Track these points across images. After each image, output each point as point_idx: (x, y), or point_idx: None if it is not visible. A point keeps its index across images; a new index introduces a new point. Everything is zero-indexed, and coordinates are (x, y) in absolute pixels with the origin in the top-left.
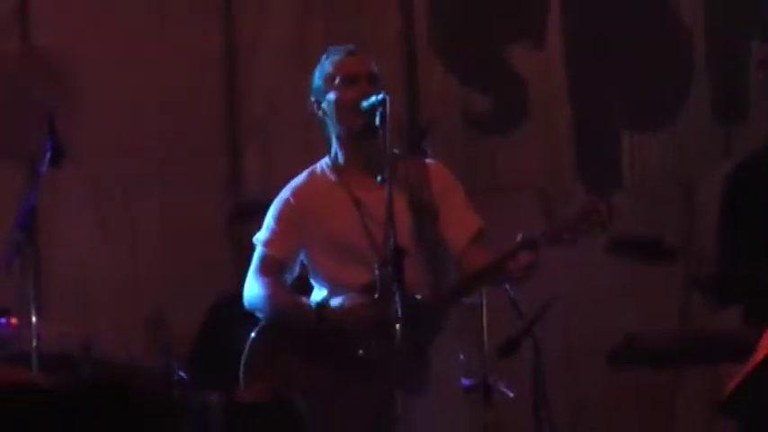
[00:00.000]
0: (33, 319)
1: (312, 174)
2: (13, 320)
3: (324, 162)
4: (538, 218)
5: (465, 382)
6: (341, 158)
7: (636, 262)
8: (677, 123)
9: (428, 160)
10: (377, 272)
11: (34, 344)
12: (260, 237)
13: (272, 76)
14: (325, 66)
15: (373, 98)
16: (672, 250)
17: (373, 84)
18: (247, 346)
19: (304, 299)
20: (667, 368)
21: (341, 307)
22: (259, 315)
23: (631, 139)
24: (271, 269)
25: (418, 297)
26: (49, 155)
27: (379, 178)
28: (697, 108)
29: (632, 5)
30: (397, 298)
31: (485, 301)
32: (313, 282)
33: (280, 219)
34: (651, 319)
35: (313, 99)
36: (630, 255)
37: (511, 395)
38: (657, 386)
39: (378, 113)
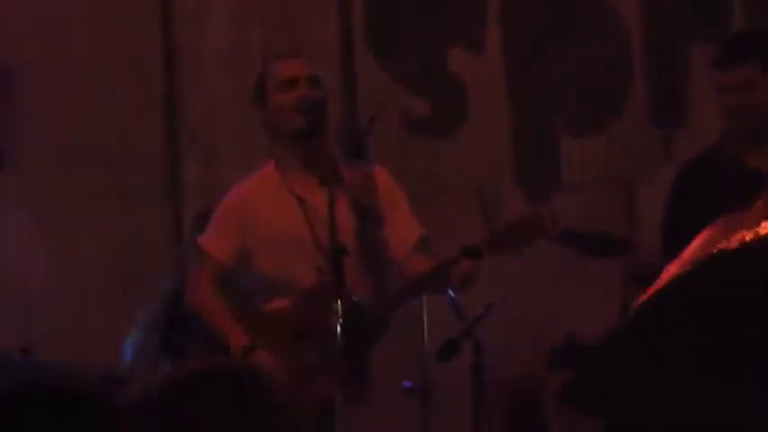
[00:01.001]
0: None
1: (256, 176)
2: None
3: (267, 166)
4: (476, 220)
5: (405, 384)
6: (284, 160)
7: (585, 253)
8: (616, 126)
9: (372, 166)
10: (320, 272)
11: None
12: (202, 239)
13: (211, 83)
14: (266, 69)
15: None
16: (621, 242)
17: (313, 86)
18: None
19: (235, 330)
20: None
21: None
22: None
23: (570, 141)
24: (212, 271)
25: (359, 301)
26: None
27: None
28: (635, 111)
29: (571, 8)
30: (337, 298)
31: (425, 303)
32: (253, 282)
33: (222, 221)
34: (592, 317)
35: (255, 103)
36: (581, 247)
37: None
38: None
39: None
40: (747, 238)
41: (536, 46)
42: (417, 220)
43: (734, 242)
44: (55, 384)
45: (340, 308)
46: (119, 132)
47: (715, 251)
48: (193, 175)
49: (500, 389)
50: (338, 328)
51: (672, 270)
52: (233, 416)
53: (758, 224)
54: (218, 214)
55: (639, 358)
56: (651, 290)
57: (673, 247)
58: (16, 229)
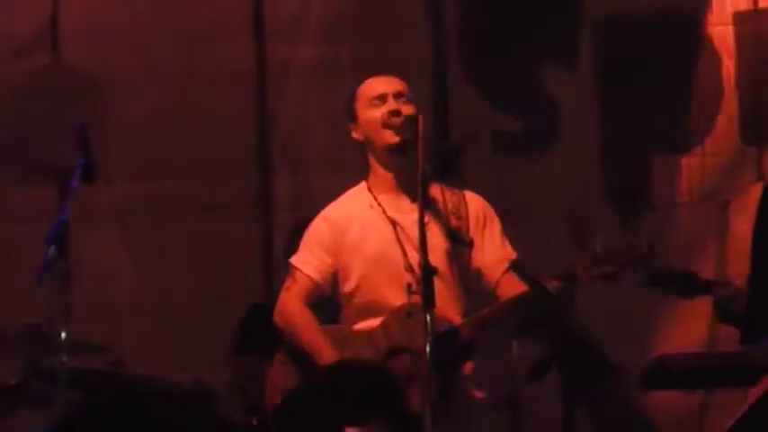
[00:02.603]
0: (63, 334)
1: (348, 197)
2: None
3: (360, 186)
4: (566, 239)
5: (493, 402)
6: (377, 181)
7: (672, 293)
8: (707, 145)
9: (464, 190)
10: (410, 290)
11: (64, 359)
12: (295, 258)
13: (302, 96)
14: (356, 90)
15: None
16: (707, 283)
17: (402, 100)
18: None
19: (323, 347)
20: (697, 389)
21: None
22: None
23: (662, 159)
24: (304, 291)
25: (449, 321)
26: (80, 170)
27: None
28: (727, 130)
29: (662, 27)
30: (427, 317)
31: None
32: (344, 303)
33: (315, 241)
34: (680, 337)
35: (348, 124)
36: (667, 287)
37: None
38: (685, 409)
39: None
40: None
41: (628, 65)
42: (509, 240)
43: None
44: (148, 397)
45: (430, 326)
46: (209, 144)
47: None
48: (284, 187)
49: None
50: (428, 347)
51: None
52: None
53: None
54: (311, 234)
55: None
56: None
57: (760, 274)
58: (105, 241)
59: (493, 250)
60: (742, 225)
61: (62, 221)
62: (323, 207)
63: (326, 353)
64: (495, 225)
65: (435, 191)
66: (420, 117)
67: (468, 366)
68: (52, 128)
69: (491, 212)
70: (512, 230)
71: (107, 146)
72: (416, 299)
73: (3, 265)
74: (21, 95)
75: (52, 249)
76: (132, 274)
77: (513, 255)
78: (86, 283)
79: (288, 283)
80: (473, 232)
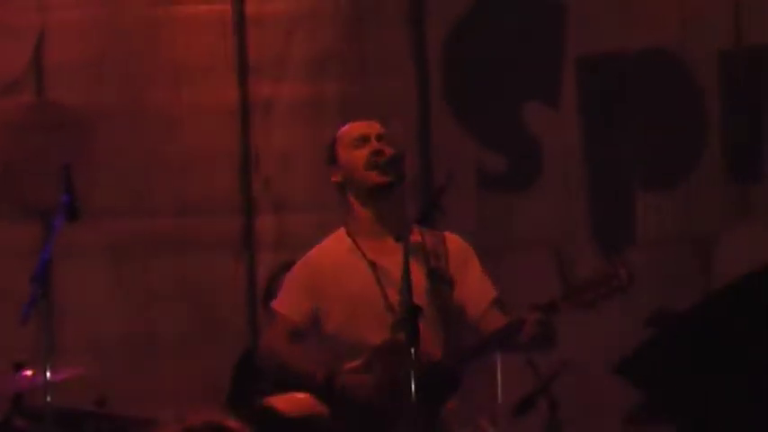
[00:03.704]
0: (48, 373)
1: (328, 241)
2: (28, 373)
3: (339, 231)
4: (550, 275)
5: None
6: (356, 224)
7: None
8: (691, 181)
9: (445, 232)
10: (392, 333)
11: (48, 398)
12: (275, 302)
13: (285, 134)
14: (337, 134)
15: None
16: None
17: (384, 141)
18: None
19: (314, 364)
20: None
21: (346, 384)
22: (269, 374)
23: (645, 197)
24: (286, 332)
25: (432, 357)
26: (64, 209)
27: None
28: (711, 166)
29: (646, 64)
30: (412, 354)
31: (499, 361)
32: (326, 345)
33: (295, 284)
34: None
35: (329, 168)
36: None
37: None
38: None
39: (391, 170)
40: None
41: (611, 102)
42: (491, 275)
43: None
44: None
45: (414, 363)
46: (194, 181)
47: None
48: (267, 223)
49: None
50: (412, 384)
51: None
52: None
53: None
54: (291, 278)
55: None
56: None
57: None
58: (91, 277)
59: (474, 288)
60: (728, 263)
61: (45, 260)
62: (305, 246)
63: (318, 368)
64: (476, 264)
65: (414, 232)
66: (404, 158)
67: (452, 403)
68: (38, 164)
69: (471, 252)
70: (495, 266)
71: (92, 183)
72: (399, 336)
73: None
74: (6, 132)
75: (37, 289)
76: (116, 312)
77: (494, 292)
78: (71, 320)
79: (270, 325)
80: (453, 271)
